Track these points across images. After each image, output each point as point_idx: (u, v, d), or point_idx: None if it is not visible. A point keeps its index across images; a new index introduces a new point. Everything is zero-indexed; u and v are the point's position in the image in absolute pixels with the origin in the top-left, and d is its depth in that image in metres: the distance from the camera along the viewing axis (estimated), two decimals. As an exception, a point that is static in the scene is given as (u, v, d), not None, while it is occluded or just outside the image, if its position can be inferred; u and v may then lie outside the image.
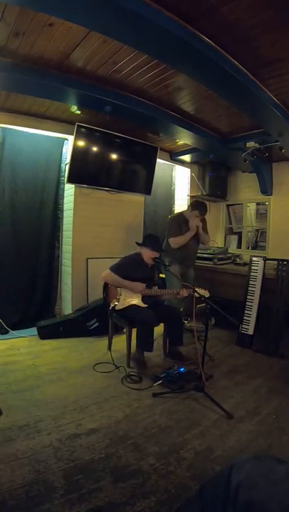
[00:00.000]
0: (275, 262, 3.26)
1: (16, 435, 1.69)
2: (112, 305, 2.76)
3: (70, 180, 3.60)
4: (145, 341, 2.58)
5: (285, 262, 3.18)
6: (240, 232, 5.51)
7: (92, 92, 2.67)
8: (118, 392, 2.23)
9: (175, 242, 3.27)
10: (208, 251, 4.15)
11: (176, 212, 4.92)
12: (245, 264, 3.80)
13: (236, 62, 2.17)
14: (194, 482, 1.42)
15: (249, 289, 3.34)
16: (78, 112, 3.24)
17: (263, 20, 1.78)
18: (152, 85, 2.69)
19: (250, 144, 3.67)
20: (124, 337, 2.84)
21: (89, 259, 3.84)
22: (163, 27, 1.72)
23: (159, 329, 2.93)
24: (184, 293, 2.63)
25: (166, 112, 3.17)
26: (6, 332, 3.31)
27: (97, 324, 3.40)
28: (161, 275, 3.36)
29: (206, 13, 1.76)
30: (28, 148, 3.55)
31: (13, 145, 3.44)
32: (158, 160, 4.22)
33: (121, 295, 2.77)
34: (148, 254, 2.77)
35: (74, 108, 3.12)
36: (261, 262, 3.34)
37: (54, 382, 2.34)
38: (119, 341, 3.03)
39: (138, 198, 4.40)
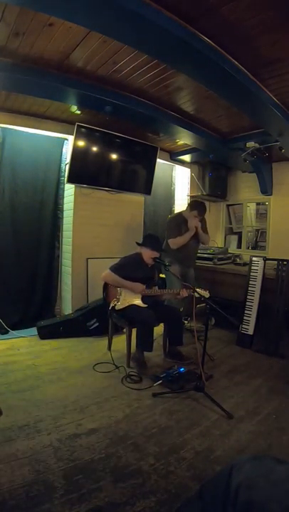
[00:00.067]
0: (275, 262, 3.26)
1: (16, 435, 1.69)
2: (111, 305, 2.76)
3: (70, 180, 3.60)
4: (145, 341, 2.58)
5: (285, 262, 3.17)
6: (240, 232, 5.51)
7: (92, 92, 2.67)
8: (118, 392, 2.24)
9: (174, 243, 3.27)
10: (208, 251, 4.15)
11: (175, 212, 4.92)
12: (245, 264, 3.80)
13: (236, 62, 2.17)
14: (194, 482, 1.42)
15: (249, 289, 3.34)
16: (78, 112, 3.24)
17: (263, 20, 1.78)
18: (152, 85, 2.69)
19: (250, 144, 3.67)
20: (124, 337, 2.84)
21: (89, 259, 3.84)
22: (163, 27, 1.72)
23: (159, 329, 2.93)
24: (184, 293, 2.63)
25: (166, 112, 3.17)
26: (6, 332, 3.31)
27: (97, 324, 3.40)
28: (161, 275, 3.36)
29: (206, 13, 1.76)
30: (28, 148, 3.55)
31: (13, 145, 3.44)
32: (158, 160, 4.22)
33: (121, 295, 2.77)
34: (148, 254, 2.77)
35: (74, 108, 3.12)
36: (261, 262, 3.34)
37: (54, 382, 2.34)
38: (119, 341, 3.03)
39: (138, 198, 4.40)
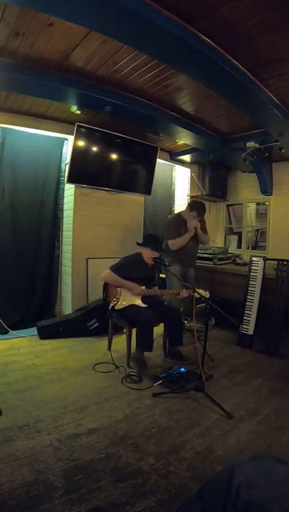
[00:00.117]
0: (275, 262, 3.26)
1: (16, 435, 1.69)
2: (111, 305, 2.76)
3: (70, 180, 3.60)
4: (145, 341, 2.58)
5: (285, 262, 3.17)
6: (240, 232, 5.51)
7: (92, 92, 2.67)
8: (118, 392, 2.24)
9: (174, 244, 3.25)
10: (208, 251, 4.15)
11: (175, 212, 4.92)
12: (245, 264, 3.80)
13: (236, 62, 2.17)
14: (194, 482, 1.42)
15: (249, 289, 3.34)
16: (78, 112, 3.24)
17: (263, 20, 1.78)
18: (152, 85, 2.69)
19: (250, 144, 3.67)
20: (124, 337, 2.84)
21: (89, 259, 3.84)
22: (163, 27, 1.72)
23: (159, 329, 2.93)
24: (184, 293, 2.63)
25: (166, 112, 3.17)
26: (6, 332, 3.31)
27: (97, 324, 3.40)
28: (161, 275, 3.36)
29: (206, 13, 1.76)
30: (28, 148, 3.55)
31: (13, 145, 3.44)
32: (158, 160, 4.22)
33: (121, 295, 2.77)
34: (148, 254, 2.77)
35: (74, 108, 3.12)
36: (261, 262, 3.34)
37: (54, 382, 2.34)
38: (119, 341, 3.03)
39: (138, 198, 4.40)
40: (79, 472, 1.45)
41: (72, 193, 3.74)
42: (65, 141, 3.80)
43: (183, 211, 3.46)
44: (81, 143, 3.50)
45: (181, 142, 4.09)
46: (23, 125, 3.36)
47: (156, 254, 2.77)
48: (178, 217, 3.41)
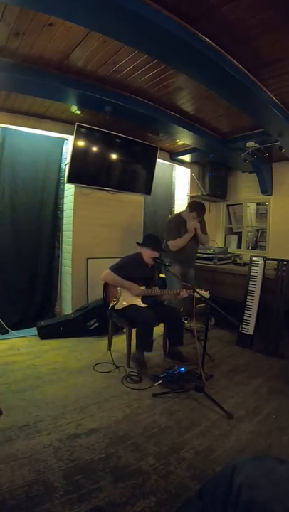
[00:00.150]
0: (275, 262, 3.26)
1: (16, 435, 1.69)
2: (111, 304, 2.76)
3: (70, 180, 3.60)
4: (145, 341, 2.58)
5: (285, 262, 3.17)
6: (240, 232, 5.51)
7: (92, 92, 2.67)
8: (118, 392, 2.24)
9: (173, 244, 3.25)
10: (208, 251, 4.15)
11: (175, 212, 4.92)
12: (245, 264, 3.80)
13: (236, 62, 2.17)
14: (194, 482, 1.42)
15: (249, 289, 3.34)
16: (78, 112, 3.24)
17: (263, 20, 1.78)
18: (152, 85, 2.69)
19: (250, 144, 3.67)
20: (124, 337, 2.84)
21: (89, 259, 3.84)
22: (163, 27, 1.72)
23: (159, 329, 2.93)
24: (184, 293, 2.63)
25: (166, 112, 3.17)
26: (6, 332, 3.31)
27: (97, 324, 3.40)
28: (161, 275, 3.36)
29: (206, 13, 1.76)
30: (28, 148, 3.55)
31: (13, 145, 3.44)
32: (158, 160, 4.22)
33: (121, 295, 2.77)
34: (148, 254, 2.77)
35: (74, 108, 3.12)
36: (261, 262, 3.34)
37: (54, 382, 2.34)
38: (119, 341, 3.03)
39: (138, 198, 4.40)
40: (79, 472, 1.45)
41: (72, 193, 3.74)
42: (65, 141, 3.80)
43: (183, 211, 3.45)
44: (81, 143, 3.50)
45: (181, 142, 4.09)
46: (23, 125, 3.36)
47: (156, 254, 2.77)
48: (178, 218, 3.41)
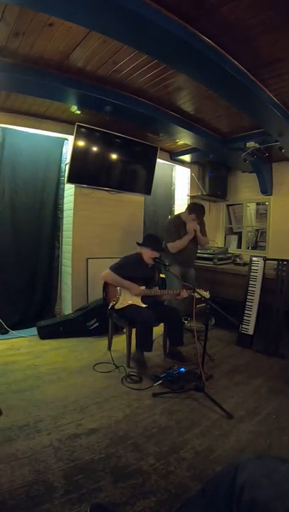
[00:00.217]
0: (275, 262, 3.26)
1: (16, 435, 1.69)
2: (111, 304, 2.76)
3: (70, 180, 3.60)
4: (145, 341, 2.57)
5: (285, 262, 3.18)
6: (240, 232, 5.51)
7: (92, 92, 2.67)
8: (118, 392, 2.24)
9: (173, 246, 3.24)
10: (208, 251, 4.15)
11: (175, 213, 4.93)
12: (245, 264, 3.80)
13: (236, 62, 2.17)
14: (194, 482, 1.42)
15: (249, 289, 3.34)
16: (78, 112, 3.24)
17: (263, 20, 1.78)
18: (152, 85, 2.69)
19: (250, 144, 3.67)
20: (124, 337, 2.84)
21: (89, 259, 3.84)
22: (163, 27, 1.72)
23: (159, 329, 2.93)
24: (184, 294, 2.63)
25: (166, 112, 3.17)
26: (6, 332, 3.31)
27: (97, 324, 3.40)
28: (161, 275, 3.35)
29: (206, 13, 1.76)
30: (28, 148, 3.55)
31: (13, 145, 3.44)
32: (158, 160, 4.22)
33: (121, 295, 2.77)
34: (148, 254, 2.77)
35: (74, 108, 3.12)
36: (261, 262, 3.34)
37: (54, 382, 2.34)
38: (119, 341, 3.03)
39: (138, 198, 4.40)
40: (79, 472, 1.45)
41: (72, 193, 3.74)
42: (65, 141, 3.80)
43: (182, 213, 3.44)
44: (81, 143, 3.50)
45: (181, 142, 4.09)
46: (23, 125, 3.36)
47: (156, 254, 2.77)
48: (177, 219, 3.40)
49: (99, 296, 3.15)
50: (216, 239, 5.47)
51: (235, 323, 3.03)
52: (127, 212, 4.25)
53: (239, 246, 5.49)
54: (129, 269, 2.74)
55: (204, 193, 4.93)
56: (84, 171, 3.62)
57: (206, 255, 4.12)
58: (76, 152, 3.49)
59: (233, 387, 2.39)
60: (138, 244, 2.88)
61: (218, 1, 1.67)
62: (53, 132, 3.57)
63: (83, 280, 3.82)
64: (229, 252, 4.56)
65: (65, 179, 3.70)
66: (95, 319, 3.40)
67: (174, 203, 5.16)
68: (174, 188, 5.17)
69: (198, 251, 3.78)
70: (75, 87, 2.59)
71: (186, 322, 3.61)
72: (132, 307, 2.71)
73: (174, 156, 4.71)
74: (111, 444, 1.67)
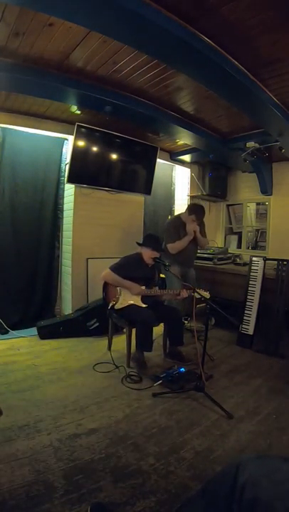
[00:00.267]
0: (275, 262, 3.26)
1: (16, 435, 1.69)
2: (111, 304, 2.76)
3: (70, 180, 3.60)
4: (144, 341, 2.57)
5: (285, 262, 3.18)
6: (240, 232, 5.51)
7: (92, 92, 2.67)
8: (118, 392, 2.24)
9: (173, 247, 3.23)
10: (208, 251, 4.15)
11: (175, 213, 4.93)
12: (245, 264, 3.80)
13: (236, 62, 2.17)
14: (194, 482, 1.42)
15: (249, 289, 3.34)
16: (78, 112, 3.24)
17: (263, 20, 1.78)
18: (152, 85, 2.69)
19: (250, 144, 3.67)
20: (124, 337, 2.84)
21: (89, 259, 3.84)
22: (163, 27, 1.72)
23: (159, 329, 2.93)
24: (184, 294, 2.63)
25: (166, 112, 3.17)
26: (6, 332, 3.31)
27: (97, 324, 3.40)
28: (161, 275, 3.35)
29: (206, 13, 1.76)
30: (28, 148, 3.55)
31: (13, 145, 3.45)
32: (158, 160, 4.22)
33: (120, 295, 2.77)
34: (148, 254, 2.77)
35: (74, 108, 3.12)
36: (261, 262, 3.34)
37: (54, 382, 2.34)
38: (119, 341, 3.03)
39: (138, 198, 4.40)
40: (79, 472, 1.45)
41: (72, 193, 3.74)
42: (65, 141, 3.80)
43: (182, 213, 3.43)
44: (81, 143, 3.50)
45: (181, 142, 4.09)
46: (23, 125, 3.36)
47: (156, 254, 2.77)
48: (177, 220, 3.39)
49: (99, 296, 3.15)
50: (216, 239, 5.47)
51: (235, 323, 3.03)
52: (127, 212, 4.25)
53: (239, 246, 5.49)
54: (129, 269, 2.74)
55: (204, 193, 4.93)
56: (84, 171, 3.62)
57: (206, 255, 4.12)
58: (76, 152, 3.49)
59: (233, 387, 2.39)
60: (138, 244, 2.88)
61: (218, 1, 1.67)
62: (53, 132, 3.57)
63: (83, 280, 3.82)
64: (229, 252, 4.56)
65: (65, 179, 3.70)
66: (95, 319, 3.40)
67: (174, 203, 5.16)
68: (174, 188, 5.17)
69: (198, 251, 3.78)
70: (75, 87, 2.59)
71: (186, 322, 3.61)
72: (132, 307, 2.71)
73: (174, 156, 4.71)
74: (111, 444, 1.67)
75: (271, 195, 4.78)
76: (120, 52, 2.22)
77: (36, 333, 3.26)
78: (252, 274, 3.37)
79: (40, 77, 2.43)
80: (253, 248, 5.45)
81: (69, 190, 3.82)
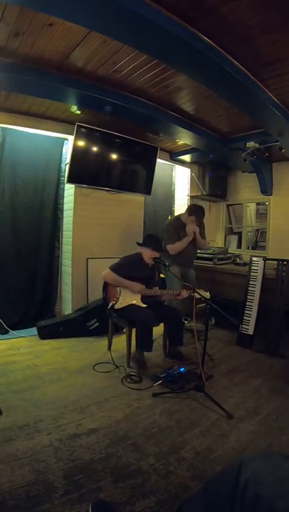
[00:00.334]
0: (275, 262, 3.26)
1: (16, 435, 1.69)
2: (110, 304, 2.76)
3: (70, 180, 3.60)
4: (144, 341, 2.57)
5: (285, 262, 3.18)
6: (240, 232, 5.51)
7: (92, 92, 2.67)
8: (118, 392, 2.23)
9: (172, 248, 3.22)
10: (208, 251, 4.15)
11: (175, 213, 4.93)
12: (245, 264, 3.80)
13: (236, 62, 2.17)
14: (194, 482, 1.42)
15: (249, 289, 3.34)
16: (78, 112, 3.24)
17: (263, 20, 1.79)
18: (152, 85, 2.69)
19: (250, 144, 3.67)
20: (124, 337, 2.84)
21: (89, 259, 3.84)
22: (163, 27, 1.72)
23: (159, 329, 2.93)
24: (185, 294, 2.63)
25: (166, 112, 3.17)
26: (6, 332, 3.31)
27: (97, 324, 3.40)
28: (161, 275, 3.35)
29: (206, 13, 1.76)
30: (28, 148, 3.55)
31: (13, 145, 3.45)
32: (158, 160, 4.22)
33: (120, 295, 2.77)
34: (148, 254, 2.77)
35: (74, 108, 3.12)
36: (261, 262, 3.34)
37: (54, 382, 2.34)
38: (119, 341, 3.03)
39: (138, 198, 4.40)
40: (79, 472, 1.45)
41: (72, 193, 3.74)
42: (65, 141, 3.80)
43: (182, 214, 3.42)
44: (81, 143, 3.50)
45: (181, 142, 4.09)
46: (23, 125, 3.36)
47: (156, 254, 2.77)
48: (177, 221, 3.38)
49: (99, 296, 3.15)
50: (216, 239, 5.47)
51: (235, 323, 3.03)
52: (127, 212, 4.25)
53: (239, 246, 5.49)
54: (129, 269, 2.74)
55: (204, 193, 4.93)
56: (84, 171, 3.62)
57: (206, 255, 4.12)
58: (76, 152, 3.49)
59: (233, 387, 2.39)
60: (138, 244, 2.88)
61: (218, 1, 1.67)
62: (53, 132, 3.57)
63: (83, 280, 3.82)
64: (229, 252, 4.56)
65: (65, 179, 3.70)
66: (95, 319, 3.40)
67: (174, 203, 5.16)
68: (174, 188, 5.17)
69: (198, 251, 3.78)
70: (75, 87, 2.59)
71: (186, 322, 3.60)
72: (131, 307, 2.71)
73: (174, 156, 4.71)
74: (111, 444, 1.67)
75: (271, 195, 4.79)
76: (120, 52, 2.22)
77: (36, 333, 3.26)
78: (252, 274, 3.37)
79: (40, 77, 2.43)
80: (253, 248, 5.46)
81: (69, 190, 3.82)
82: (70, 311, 3.68)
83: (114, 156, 3.84)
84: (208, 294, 2.44)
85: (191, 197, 4.98)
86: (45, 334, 3.24)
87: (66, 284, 3.92)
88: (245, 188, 5.20)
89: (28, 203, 3.62)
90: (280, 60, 2.17)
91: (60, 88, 2.57)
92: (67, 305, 3.85)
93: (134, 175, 4.14)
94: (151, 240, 2.83)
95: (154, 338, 2.65)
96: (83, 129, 3.44)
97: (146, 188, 4.26)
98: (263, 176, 4.64)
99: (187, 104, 3.06)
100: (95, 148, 3.64)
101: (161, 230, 4.39)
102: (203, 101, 2.95)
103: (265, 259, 3.35)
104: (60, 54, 2.27)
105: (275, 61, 2.18)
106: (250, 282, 3.35)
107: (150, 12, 1.66)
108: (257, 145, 3.70)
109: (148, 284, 2.80)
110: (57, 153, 3.81)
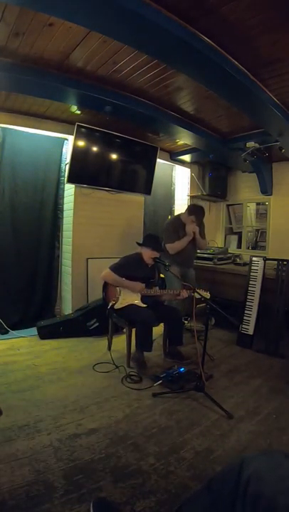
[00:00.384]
0: (275, 262, 3.26)
1: (16, 435, 1.69)
2: (110, 304, 2.76)
3: (70, 180, 3.60)
4: (144, 341, 2.57)
5: (285, 262, 3.18)
6: (240, 232, 5.51)
7: (92, 92, 2.67)
8: (118, 392, 2.23)
9: (172, 248, 3.22)
10: (208, 251, 4.15)
11: (175, 213, 4.93)
12: (245, 264, 3.80)
13: (236, 62, 2.17)
14: (194, 482, 1.42)
15: (249, 289, 3.34)
16: (78, 112, 3.24)
17: (263, 20, 1.79)
18: (152, 85, 2.69)
19: (250, 144, 3.67)
20: (124, 337, 2.84)
21: (89, 259, 3.84)
22: (163, 27, 1.72)
23: (159, 329, 2.93)
24: (184, 294, 2.63)
25: (166, 112, 3.17)
26: (6, 332, 3.31)
27: (97, 324, 3.40)
28: (161, 275, 3.35)
29: (206, 13, 1.76)
30: (28, 148, 3.55)
31: (13, 145, 3.45)
32: (158, 160, 4.22)
33: (120, 295, 2.77)
34: (148, 254, 2.77)
35: (74, 108, 3.12)
36: (261, 262, 3.34)
37: (54, 382, 2.34)
38: (119, 341, 3.03)
39: (138, 198, 4.40)
40: (79, 472, 1.45)
41: (72, 193, 3.74)
42: (65, 141, 3.80)
43: (182, 214, 3.42)
44: (81, 143, 3.50)
45: (181, 142, 4.09)
46: (23, 125, 3.36)
47: (156, 254, 2.77)
48: (177, 220, 3.38)
49: (99, 296, 3.15)
50: (216, 239, 5.47)
51: (235, 323, 3.03)
52: (127, 212, 4.25)
53: (239, 246, 5.49)
54: (129, 269, 2.74)
55: (204, 193, 4.93)
56: (84, 171, 3.62)
57: (206, 255, 4.12)
58: (76, 152, 3.49)
59: (233, 387, 2.39)
60: (138, 244, 2.88)
61: (218, 1, 1.67)
62: (53, 132, 3.57)
63: (83, 280, 3.82)
64: (229, 252, 4.56)
65: (65, 179, 3.70)
66: (95, 319, 3.40)
67: (174, 203, 5.16)
68: (174, 188, 5.17)
69: (198, 251, 3.78)
70: (75, 87, 2.59)
71: (186, 322, 3.60)
72: (131, 307, 2.71)
73: (174, 156, 4.71)
74: (111, 444, 1.67)
75: (271, 195, 4.79)
76: (120, 52, 2.22)
77: (36, 333, 3.26)
78: (252, 274, 3.37)
79: (40, 77, 2.43)
80: (253, 248, 5.46)
81: (69, 190, 3.82)
82: (70, 311, 3.68)
83: (114, 156, 3.84)
84: (208, 294, 2.44)
85: (191, 197, 4.98)
86: (45, 334, 3.24)
87: (66, 284, 3.92)
88: (245, 188, 5.20)
89: (28, 203, 3.62)
90: (280, 60, 2.17)
91: (60, 88, 2.57)
92: (67, 305, 3.85)
93: (134, 175, 4.14)
94: (151, 239, 2.83)
95: (154, 338, 2.65)
96: (83, 129, 3.44)
97: (146, 188, 4.26)
98: (263, 176, 4.64)
99: (187, 104, 3.06)
100: (95, 148, 3.64)
101: (161, 230, 4.39)
102: (203, 101, 2.95)
103: (265, 259, 3.35)
104: (60, 54, 2.27)
105: (275, 61, 2.18)
106: (250, 282, 3.35)
107: (150, 12, 1.66)
108: (257, 145, 3.70)
109: (148, 284, 2.80)
110: (57, 153, 3.81)
